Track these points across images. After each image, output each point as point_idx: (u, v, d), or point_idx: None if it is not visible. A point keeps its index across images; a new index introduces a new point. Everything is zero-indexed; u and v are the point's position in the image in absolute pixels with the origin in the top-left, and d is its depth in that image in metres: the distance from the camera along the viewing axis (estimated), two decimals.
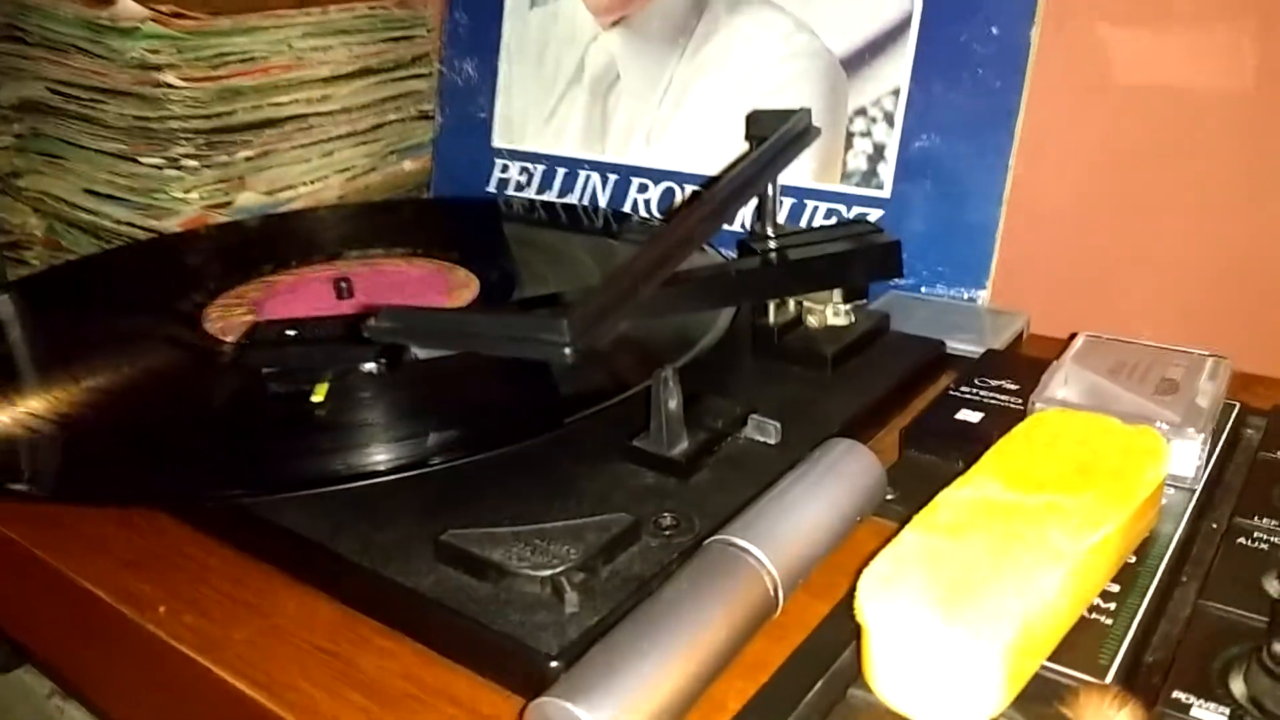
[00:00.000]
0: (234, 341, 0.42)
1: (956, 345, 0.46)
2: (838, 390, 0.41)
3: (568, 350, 0.26)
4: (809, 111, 0.45)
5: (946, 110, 0.51)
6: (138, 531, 0.36)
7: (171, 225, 0.65)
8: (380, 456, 0.34)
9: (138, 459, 0.36)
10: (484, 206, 0.66)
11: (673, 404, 0.34)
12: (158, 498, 0.35)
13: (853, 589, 0.24)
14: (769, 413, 0.37)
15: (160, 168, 0.64)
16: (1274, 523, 0.31)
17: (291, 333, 0.37)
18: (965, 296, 0.51)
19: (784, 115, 0.44)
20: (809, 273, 0.41)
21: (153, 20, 0.62)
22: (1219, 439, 0.36)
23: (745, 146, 0.50)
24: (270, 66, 0.67)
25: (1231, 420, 0.37)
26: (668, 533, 0.32)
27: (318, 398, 0.37)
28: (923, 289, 0.52)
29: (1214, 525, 0.32)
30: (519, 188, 0.66)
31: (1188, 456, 0.33)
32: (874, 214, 0.53)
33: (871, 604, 0.24)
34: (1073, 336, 0.40)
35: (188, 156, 0.64)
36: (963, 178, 0.51)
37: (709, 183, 0.54)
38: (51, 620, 0.37)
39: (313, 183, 0.71)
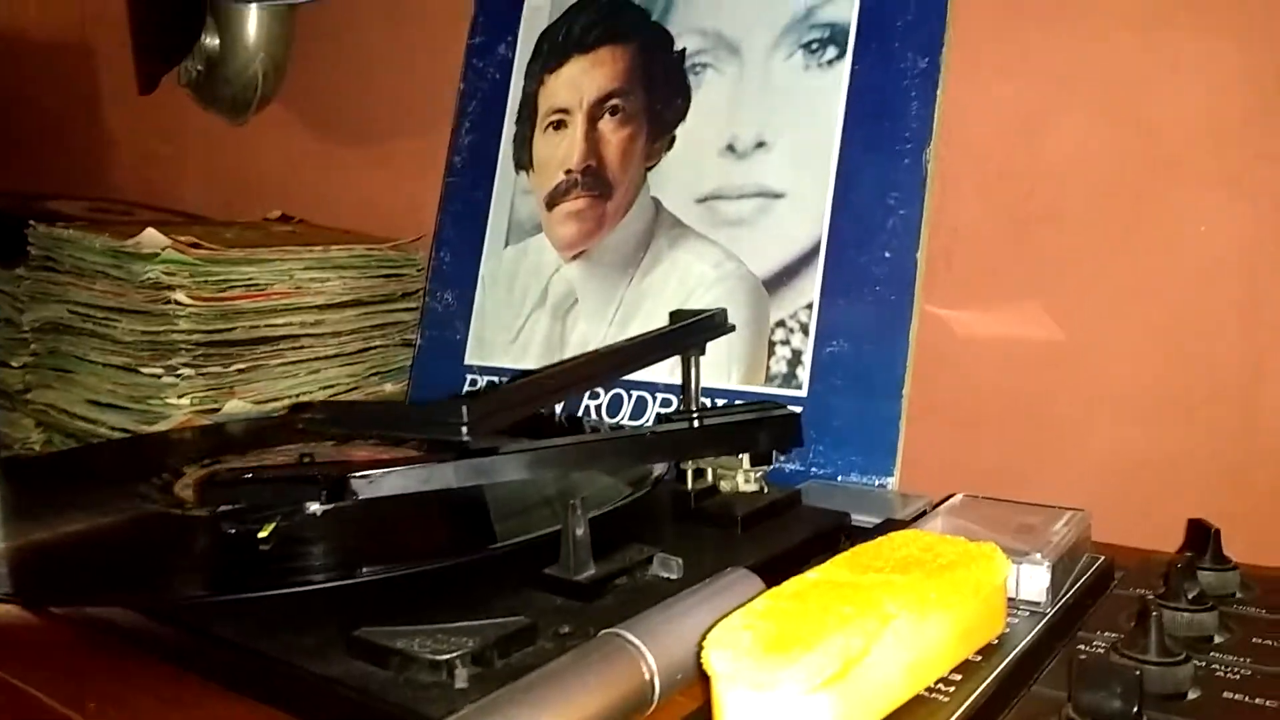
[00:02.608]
0: (194, 487, 0.46)
1: (861, 518, 0.50)
2: (745, 546, 0.45)
3: (465, 430, 0.31)
4: (724, 310, 0.52)
5: (852, 320, 0.58)
6: (85, 653, 0.39)
7: (161, 429, 0.70)
8: (308, 574, 0.38)
9: (100, 576, 0.40)
10: None
11: (579, 531, 0.38)
12: (109, 601, 0.38)
13: None
14: (685, 567, 0.41)
15: (158, 376, 0.71)
16: (1114, 635, 0.34)
17: (248, 475, 0.42)
18: (876, 483, 0.56)
19: (700, 312, 0.50)
20: (718, 437, 0.46)
21: (172, 248, 0.71)
22: (1078, 580, 0.39)
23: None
24: (272, 292, 0.76)
25: (1096, 568, 0.41)
26: (563, 637, 0.35)
27: (263, 534, 0.41)
28: (839, 478, 0.57)
29: (1063, 643, 0.35)
30: None
31: (1035, 581, 0.36)
32: (795, 410, 0.58)
33: (715, 651, 0.27)
34: (950, 495, 0.44)
35: (185, 365, 0.71)
36: (868, 377, 0.57)
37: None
38: None
39: (298, 396, 0.77)
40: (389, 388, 0.83)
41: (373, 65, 0.97)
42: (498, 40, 0.80)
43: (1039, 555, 0.36)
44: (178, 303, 0.70)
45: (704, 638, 0.28)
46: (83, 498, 0.50)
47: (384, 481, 0.41)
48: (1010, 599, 0.36)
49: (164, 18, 0.96)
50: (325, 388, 0.79)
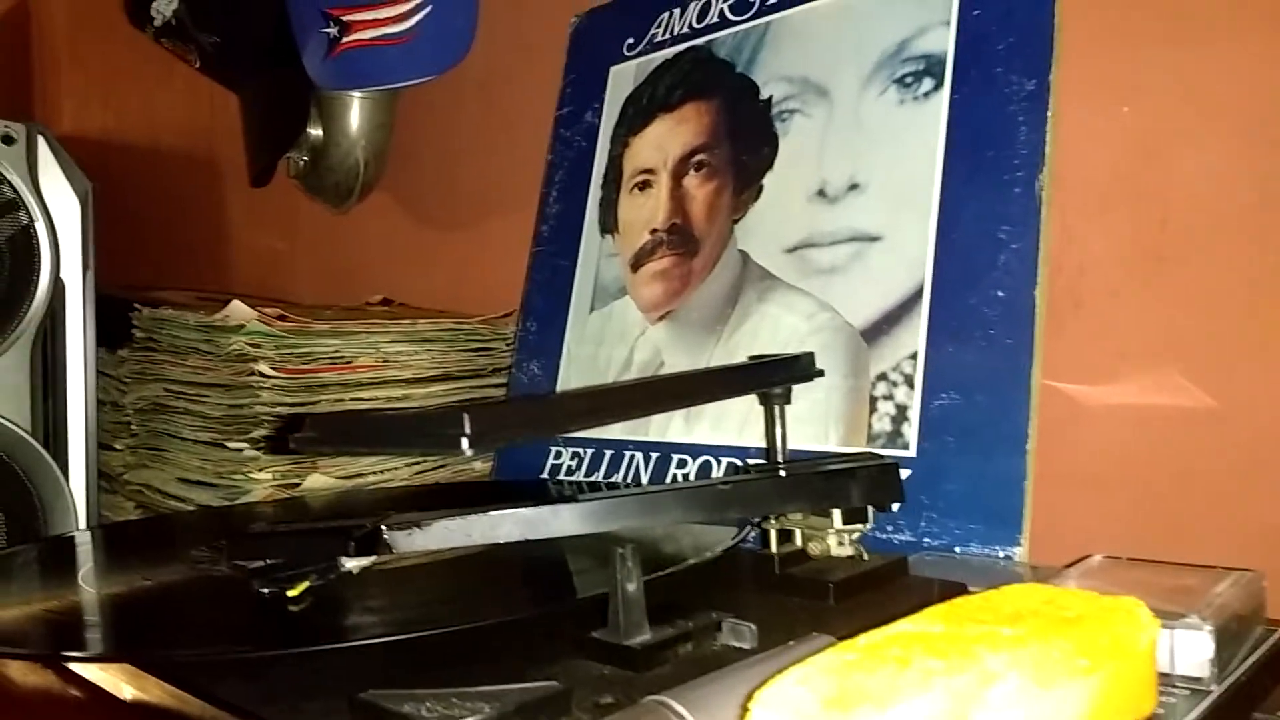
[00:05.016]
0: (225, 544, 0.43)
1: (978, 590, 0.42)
2: (837, 620, 0.39)
3: (465, 441, 0.26)
4: (810, 354, 0.46)
5: (963, 369, 0.52)
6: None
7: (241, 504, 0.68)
8: (324, 634, 0.33)
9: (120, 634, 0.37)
10: (532, 485, 0.68)
11: (631, 586, 0.33)
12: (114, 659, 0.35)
13: None
14: (761, 636, 0.35)
15: (240, 450, 0.70)
16: None
17: (278, 529, 0.38)
18: (1001, 555, 0.48)
19: (782, 356, 0.45)
20: (803, 489, 0.40)
21: (257, 320, 0.70)
22: (1252, 653, 0.31)
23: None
24: (358, 366, 0.74)
25: (1275, 641, 0.33)
26: (603, 709, 0.29)
27: (294, 593, 0.37)
28: (957, 549, 0.49)
29: None
30: (569, 472, 0.68)
31: (1195, 650, 0.29)
32: (902, 474, 0.52)
33: (761, 711, 0.21)
34: (1085, 557, 0.37)
35: (267, 438, 0.69)
36: (985, 433, 0.50)
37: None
38: None
39: (382, 472, 0.74)
40: (479, 465, 0.80)
41: (470, 145, 0.97)
42: (584, 108, 0.78)
43: (1197, 618, 0.29)
44: (261, 374, 0.69)
45: (748, 699, 0.22)
46: (129, 563, 0.48)
47: (423, 535, 0.36)
48: (1164, 674, 0.29)
49: (273, 112, 1.00)
50: (411, 464, 0.76)
